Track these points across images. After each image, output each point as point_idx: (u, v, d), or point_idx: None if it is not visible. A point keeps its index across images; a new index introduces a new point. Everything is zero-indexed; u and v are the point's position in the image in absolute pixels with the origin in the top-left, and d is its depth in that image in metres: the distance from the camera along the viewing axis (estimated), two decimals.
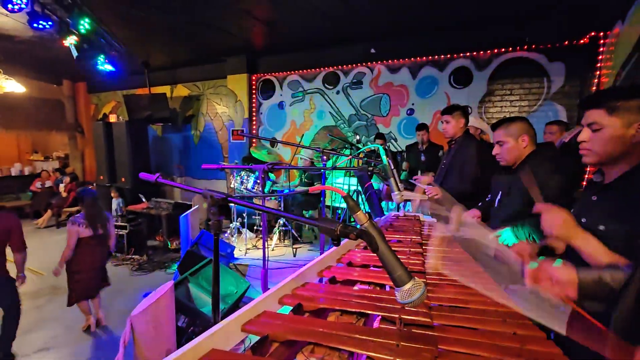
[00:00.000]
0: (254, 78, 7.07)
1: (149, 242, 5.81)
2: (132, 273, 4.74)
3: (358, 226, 0.74)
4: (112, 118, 7.52)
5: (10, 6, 3.41)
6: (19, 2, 3.36)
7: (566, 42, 4.60)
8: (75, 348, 3.06)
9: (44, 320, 3.39)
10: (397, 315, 0.99)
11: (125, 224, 5.35)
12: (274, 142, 6.84)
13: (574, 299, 0.92)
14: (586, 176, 3.63)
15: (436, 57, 5.48)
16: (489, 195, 2.18)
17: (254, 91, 7.12)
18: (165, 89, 8.03)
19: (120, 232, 5.26)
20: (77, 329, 3.31)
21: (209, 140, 7.86)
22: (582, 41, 4.50)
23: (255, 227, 5.94)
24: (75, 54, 4.53)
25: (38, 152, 10.50)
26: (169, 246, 5.61)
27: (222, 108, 7.56)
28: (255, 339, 0.95)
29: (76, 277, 3.20)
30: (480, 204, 2.18)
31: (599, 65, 4.22)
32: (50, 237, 6.44)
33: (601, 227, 1.12)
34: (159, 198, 6.22)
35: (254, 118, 7.21)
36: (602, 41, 4.23)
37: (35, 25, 3.82)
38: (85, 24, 4.14)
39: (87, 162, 9.84)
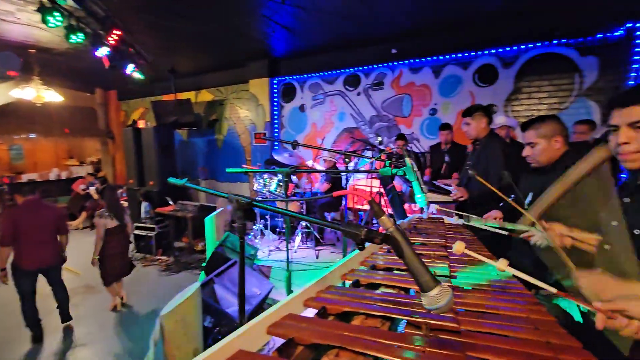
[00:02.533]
0: (275, 82, 7.17)
1: (176, 244, 5.99)
2: (160, 274, 4.90)
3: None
4: (141, 124, 7.80)
5: (49, 22, 3.64)
6: (57, 16, 3.60)
7: (600, 35, 4.38)
8: (108, 346, 3.20)
9: (80, 318, 3.57)
10: (423, 320, 0.97)
11: (154, 226, 5.54)
12: (295, 144, 6.88)
13: None
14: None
15: (459, 55, 5.36)
16: (512, 195, 2.11)
17: (275, 95, 7.21)
18: (190, 95, 8.27)
19: (149, 234, 5.45)
20: (109, 327, 3.47)
21: (232, 143, 8.02)
22: (617, 33, 4.27)
23: (277, 229, 6.00)
24: (107, 64, 4.76)
25: (73, 158, 11.09)
26: (195, 248, 5.76)
27: (245, 112, 7.70)
28: (278, 340, 0.96)
29: (107, 262, 3.67)
30: (501, 204, 2.11)
31: (636, 58, 3.99)
32: (84, 238, 6.72)
33: (636, 231, 1.05)
34: (185, 200, 6.40)
35: (275, 121, 7.30)
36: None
37: (71, 39, 4.06)
38: (115, 36, 4.34)
39: (117, 166, 10.28)
